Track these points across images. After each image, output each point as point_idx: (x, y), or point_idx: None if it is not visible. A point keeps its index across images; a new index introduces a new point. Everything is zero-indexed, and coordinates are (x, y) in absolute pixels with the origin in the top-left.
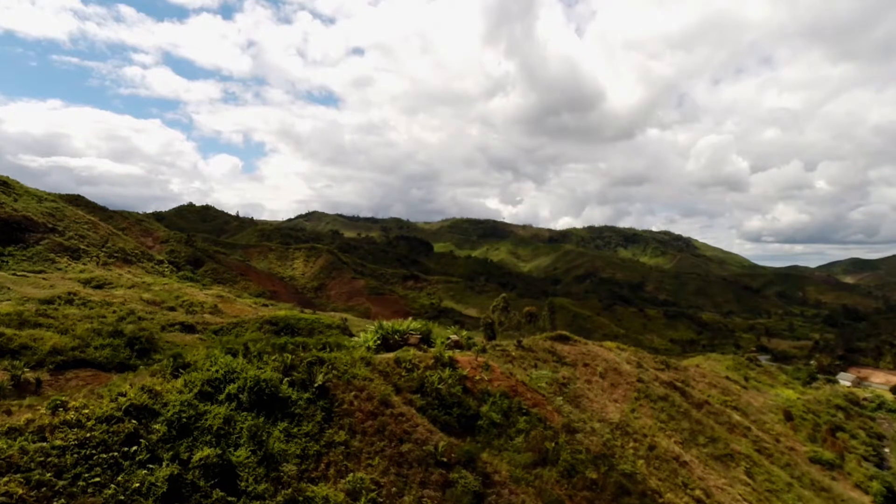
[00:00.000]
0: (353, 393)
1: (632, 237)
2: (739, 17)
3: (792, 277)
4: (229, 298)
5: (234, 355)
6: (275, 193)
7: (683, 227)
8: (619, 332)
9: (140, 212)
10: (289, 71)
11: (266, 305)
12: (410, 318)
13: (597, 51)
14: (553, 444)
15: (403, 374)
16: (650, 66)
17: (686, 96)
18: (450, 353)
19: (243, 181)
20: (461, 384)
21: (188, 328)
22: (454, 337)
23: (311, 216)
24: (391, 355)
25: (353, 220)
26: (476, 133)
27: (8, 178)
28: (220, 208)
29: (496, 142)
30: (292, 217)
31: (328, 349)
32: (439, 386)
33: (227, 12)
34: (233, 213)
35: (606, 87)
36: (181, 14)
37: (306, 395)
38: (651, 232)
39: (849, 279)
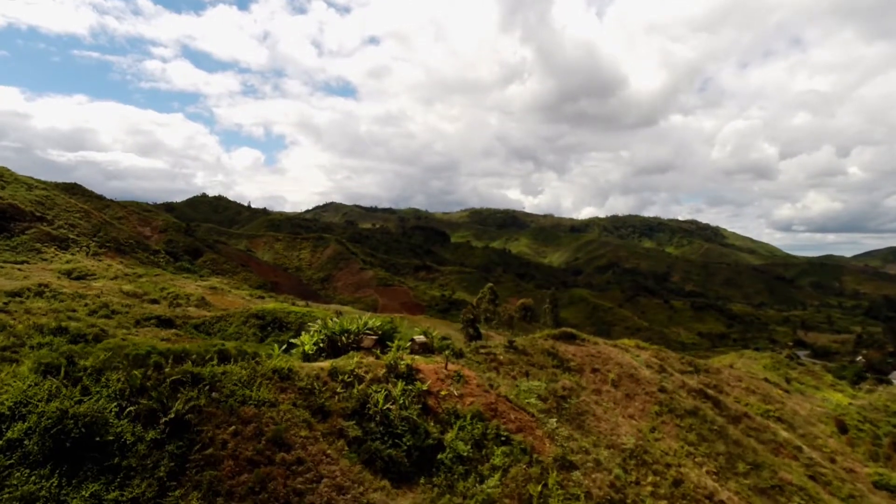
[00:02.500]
0: (232, 428)
1: (656, 226)
2: None
3: (827, 267)
4: (222, 290)
5: (51, 373)
6: (296, 186)
7: (710, 217)
8: (643, 324)
9: (152, 203)
10: (306, 62)
11: (262, 297)
12: (369, 315)
13: (616, 35)
14: (540, 488)
15: (339, 390)
16: (672, 50)
17: (710, 81)
18: (409, 359)
19: (265, 174)
20: (420, 402)
21: (165, 322)
22: (421, 338)
23: (329, 207)
24: (326, 364)
25: (371, 211)
26: (495, 122)
27: None
28: (234, 199)
29: (515, 131)
30: (310, 208)
31: (219, 360)
32: (387, 406)
33: (243, 2)
34: (245, 203)
35: (627, 73)
36: (198, 5)
37: (151, 436)
38: (677, 221)
39: (889, 269)
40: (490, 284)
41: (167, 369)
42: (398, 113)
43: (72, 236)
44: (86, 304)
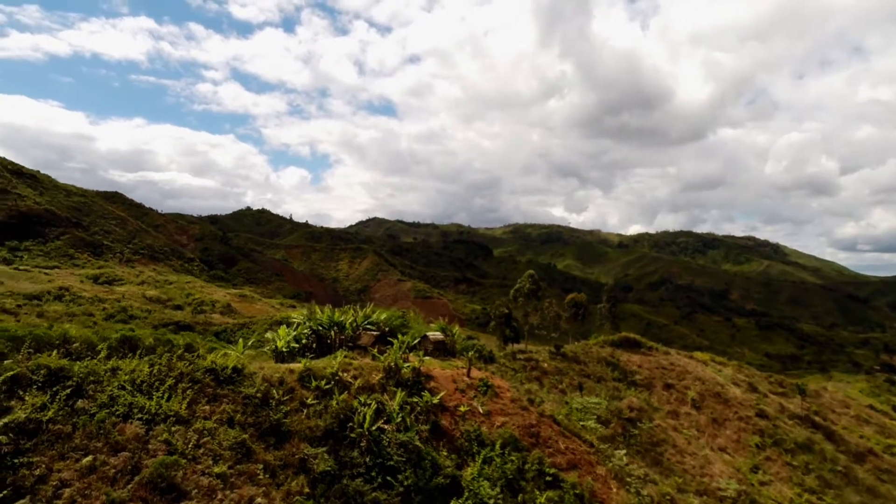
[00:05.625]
0: (88, 459)
1: (711, 242)
2: (821, 3)
3: None
4: (252, 298)
5: None
6: (341, 203)
7: (766, 236)
8: (703, 343)
9: (197, 216)
10: (348, 81)
11: (293, 307)
12: (371, 305)
13: (659, 47)
14: None
15: (310, 402)
16: (720, 61)
17: (763, 92)
18: (418, 361)
19: (311, 192)
20: (429, 422)
21: (185, 328)
22: (436, 335)
23: (371, 222)
24: (298, 366)
25: (414, 226)
26: (536, 138)
27: (38, 172)
28: (276, 212)
29: (557, 147)
30: (353, 224)
31: (125, 351)
32: (378, 426)
33: (288, 25)
34: (286, 216)
35: (671, 85)
36: (246, 29)
37: None
38: (733, 237)
39: None
40: (530, 271)
41: (7, 361)
42: (439, 130)
43: (106, 242)
44: (104, 309)
